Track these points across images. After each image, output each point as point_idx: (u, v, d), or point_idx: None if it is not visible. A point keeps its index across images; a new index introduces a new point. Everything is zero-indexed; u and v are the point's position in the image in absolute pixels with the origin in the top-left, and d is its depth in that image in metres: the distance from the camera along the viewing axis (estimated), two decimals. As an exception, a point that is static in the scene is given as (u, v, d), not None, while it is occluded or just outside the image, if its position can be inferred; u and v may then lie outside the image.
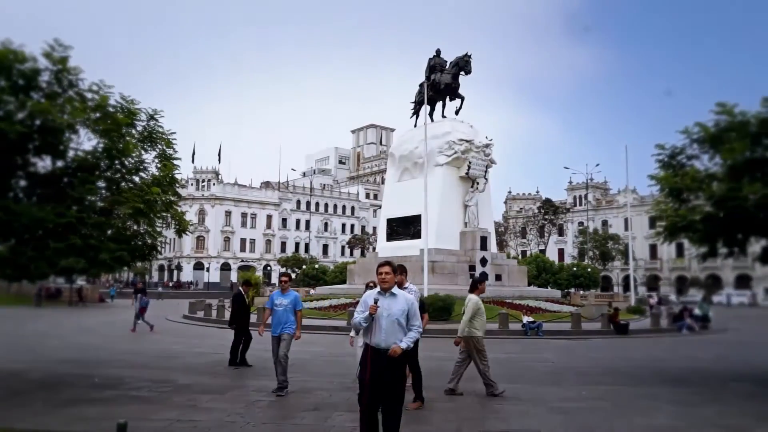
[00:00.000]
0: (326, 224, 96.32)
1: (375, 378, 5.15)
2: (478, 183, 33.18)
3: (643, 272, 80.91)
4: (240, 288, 14.06)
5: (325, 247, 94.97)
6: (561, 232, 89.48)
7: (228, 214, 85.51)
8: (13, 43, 8.43)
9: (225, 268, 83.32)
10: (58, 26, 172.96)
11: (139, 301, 22.34)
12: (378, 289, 5.44)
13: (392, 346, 5.20)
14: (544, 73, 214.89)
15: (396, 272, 5.63)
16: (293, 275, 76.63)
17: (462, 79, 35.39)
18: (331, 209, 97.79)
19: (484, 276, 11.13)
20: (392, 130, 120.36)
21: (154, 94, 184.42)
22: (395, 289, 5.42)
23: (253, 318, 15.96)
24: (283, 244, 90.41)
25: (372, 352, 5.24)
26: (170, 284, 77.95)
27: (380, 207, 46.12)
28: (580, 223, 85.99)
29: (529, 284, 38.89)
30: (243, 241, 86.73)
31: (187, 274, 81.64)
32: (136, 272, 76.10)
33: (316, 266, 62.90)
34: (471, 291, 9.61)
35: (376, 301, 5.26)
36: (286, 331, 9.11)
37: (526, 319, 21.60)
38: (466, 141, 32.95)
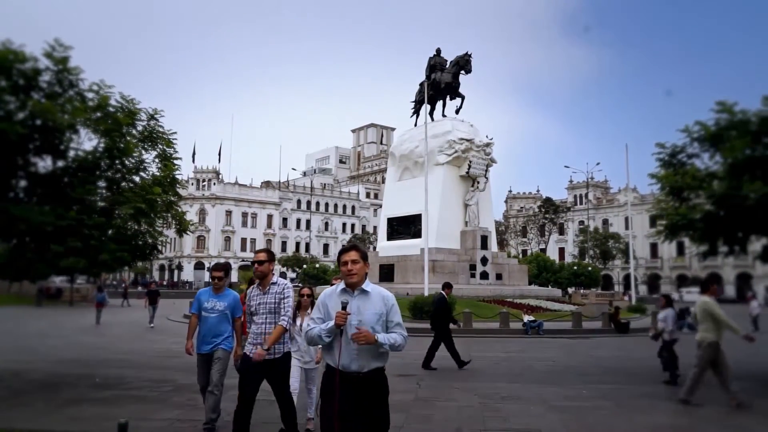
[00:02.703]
0: (327, 224, 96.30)
1: (347, 413, 3.64)
2: (478, 182, 33.19)
3: (644, 271, 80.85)
4: (442, 291, 13.18)
5: (326, 247, 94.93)
6: (561, 231, 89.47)
7: (228, 213, 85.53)
8: (14, 43, 8.45)
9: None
10: (58, 26, 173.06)
11: (96, 297, 25.42)
12: (341, 285, 3.87)
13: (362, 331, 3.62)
14: (544, 71, 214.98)
15: (365, 260, 3.89)
16: (294, 274, 77.35)
17: (462, 78, 35.43)
18: (331, 209, 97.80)
19: (714, 277, 10.32)
20: (393, 129, 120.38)
21: (155, 93, 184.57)
22: (367, 285, 3.83)
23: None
24: (284, 244, 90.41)
25: (340, 377, 3.69)
26: (163, 283, 77.33)
27: (381, 206, 46.15)
28: (581, 222, 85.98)
29: (530, 283, 38.89)
30: (244, 240, 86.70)
31: (188, 274, 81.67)
32: (137, 272, 75.96)
33: (317, 266, 62.95)
34: (703, 292, 8.81)
35: (344, 306, 3.67)
36: (222, 347, 6.46)
37: (526, 318, 21.60)
38: (467, 140, 32.95)
